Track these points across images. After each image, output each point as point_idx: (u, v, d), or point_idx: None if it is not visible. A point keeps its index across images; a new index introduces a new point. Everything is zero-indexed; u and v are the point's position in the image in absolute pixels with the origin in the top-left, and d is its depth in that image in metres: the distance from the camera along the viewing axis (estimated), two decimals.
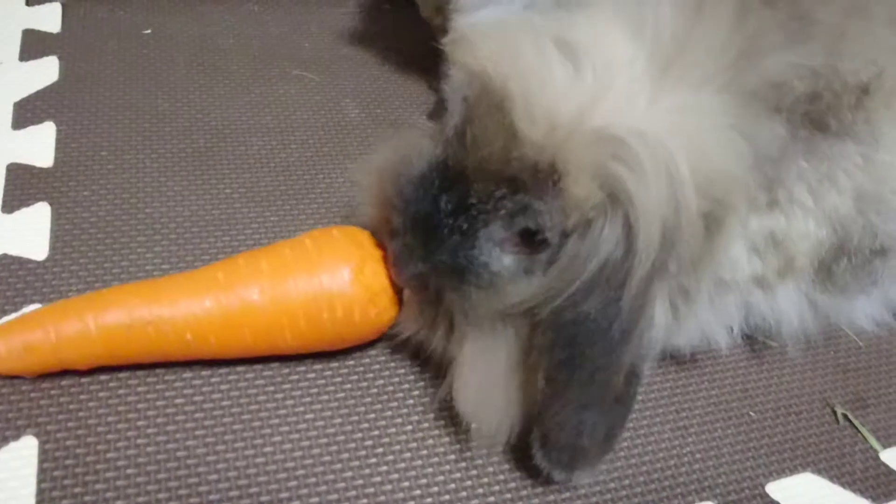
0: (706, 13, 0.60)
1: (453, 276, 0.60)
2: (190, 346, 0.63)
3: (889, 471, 0.70)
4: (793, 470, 0.69)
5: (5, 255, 0.73)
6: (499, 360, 0.60)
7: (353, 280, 0.64)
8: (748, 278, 0.66)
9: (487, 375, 0.61)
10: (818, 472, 0.69)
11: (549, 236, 0.57)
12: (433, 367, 0.68)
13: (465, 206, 0.58)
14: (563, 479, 0.62)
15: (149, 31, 1.06)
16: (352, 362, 0.70)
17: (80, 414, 0.62)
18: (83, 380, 0.64)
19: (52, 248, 0.75)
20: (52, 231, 0.77)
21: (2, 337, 0.62)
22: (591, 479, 0.65)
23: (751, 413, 0.73)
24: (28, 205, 0.79)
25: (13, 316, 0.67)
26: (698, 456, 0.69)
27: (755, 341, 0.78)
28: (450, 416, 0.66)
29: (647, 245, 0.53)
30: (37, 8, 1.07)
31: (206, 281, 0.64)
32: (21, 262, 0.73)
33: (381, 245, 0.67)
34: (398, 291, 0.66)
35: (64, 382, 0.64)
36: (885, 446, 0.72)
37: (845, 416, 0.74)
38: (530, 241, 0.58)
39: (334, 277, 0.64)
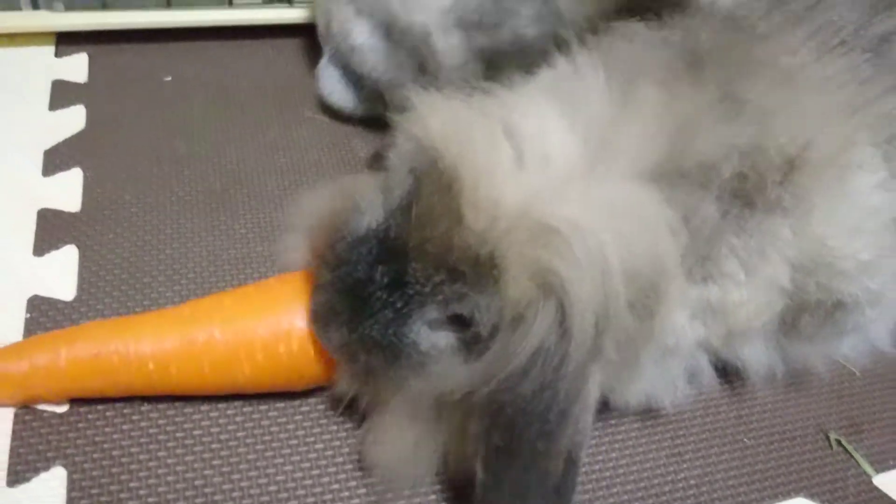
0: (633, 99, 0.62)
1: (380, 351, 0.60)
2: (153, 377, 0.66)
3: (882, 495, 0.72)
4: (786, 495, 0.71)
5: (36, 297, 0.78)
6: (416, 427, 0.61)
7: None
8: (692, 343, 0.68)
9: (403, 439, 0.62)
10: (812, 496, 0.71)
11: (481, 329, 0.57)
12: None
13: (402, 283, 0.58)
14: None
15: (169, 77, 1.12)
16: None
17: (105, 446, 0.67)
18: (108, 413, 0.69)
19: (80, 288, 0.80)
20: (80, 272, 0.82)
21: None
22: None
23: (745, 439, 0.75)
24: (57, 248, 0.84)
25: None
26: (693, 482, 0.71)
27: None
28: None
29: (581, 333, 0.54)
30: (65, 59, 1.13)
31: (173, 316, 0.69)
32: (51, 303, 0.78)
33: None
34: None
35: (91, 416, 0.68)
36: (878, 471, 0.74)
37: (839, 442, 0.76)
38: (462, 322, 0.59)
39: (293, 314, 0.66)
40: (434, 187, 0.58)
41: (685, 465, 0.72)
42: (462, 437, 0.59)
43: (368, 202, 0.63)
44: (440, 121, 0.61)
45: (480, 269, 0.56)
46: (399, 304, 0.59)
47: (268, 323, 0.66)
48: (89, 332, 0.68)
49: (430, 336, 0.60)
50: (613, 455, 0.72)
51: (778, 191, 0.63)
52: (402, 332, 0.59)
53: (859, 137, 0.67)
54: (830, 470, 0.74)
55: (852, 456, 0.75)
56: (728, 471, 0.72)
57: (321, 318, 0.63)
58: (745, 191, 0.62)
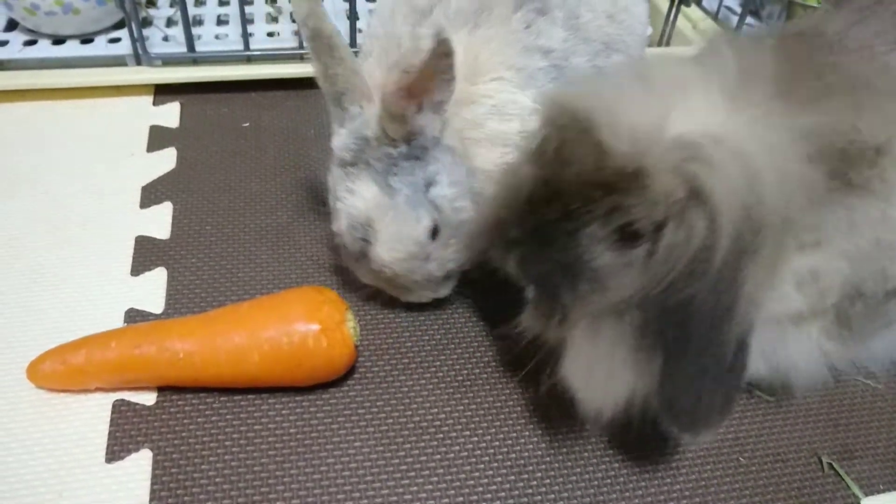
0: (751, 78, 0.69)
1: (565, 273, 0.69)
2: (180, 365, 0.80)
3: None
4: None
5: (132, 309, 0.94)
6: (604, 341, 0.70)
7: (308, 316, 0.80)
8: (789, 314, 0.74)
9: (594, 354, 0.70)
10: None
11: (640, 227, 0.65)
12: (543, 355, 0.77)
13: (568, 213, 0.67)
14: (690, 439, 0.79)
15: (247, 124, 1.29)
16: (394, 402, 0.86)
17: (184, 434, 0.80)
18: (187, 408, 0.83)
19: (167, 303, 0.95)
20: (168, 290, 0.97)
21: (50, 358, 0.82)
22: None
23: (740, 458, 0.83)
24: (150, 269, 1.00)
25: None
26: (687, 493, 0.79)
27: (750, 393, 0.88)
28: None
29: (728, 231, 0.60)
30: (161, 107, 1.32)
31: (201, 319, 0.84)
32: (143, 315, 0.93)
33: (341, 299, 0.84)
34: (352, 334, 0.83)
35: (172, 409, 0.82)
36: (866, 494, 0.80)
37: (830, 465, 0.83)
38: (627, 236, 0.66)
39: (293, 314, 0.81)
40: (576, 133, 0.67)
41: (680, 478, 0.80)
42: (641, 346, 0.67)
43: (522, 171, 0.74)
44: (573, 90, 0.72)
45: (628, 178, 0.64)
46: (570, 228, 0.68)
47: (274, 324, 0.80)
48: (131, 331, 0.84)
49: (601, 252, 0.68)
50: (615, 465, 0.81)
51: (869, 173, 0.70)
52: (578, 252, 0.68)
53: None
54: (820, 491, 0.81)
55: (843, 479, 0.82)
56: (720, 485, 0.80)
57: (523, 265, 0.74)
58: (844, 167, 0.69)
